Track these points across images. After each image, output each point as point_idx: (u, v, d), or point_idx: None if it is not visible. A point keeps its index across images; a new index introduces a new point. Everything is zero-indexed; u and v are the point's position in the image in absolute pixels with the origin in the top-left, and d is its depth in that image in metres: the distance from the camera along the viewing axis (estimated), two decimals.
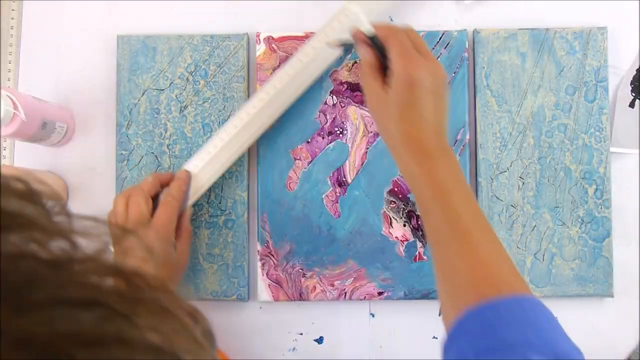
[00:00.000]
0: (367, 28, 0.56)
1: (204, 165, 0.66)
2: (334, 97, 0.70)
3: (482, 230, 0.48)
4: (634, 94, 0.71)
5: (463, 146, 0.70)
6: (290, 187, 0.70)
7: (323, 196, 0.70)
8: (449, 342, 0.44)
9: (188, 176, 0.66)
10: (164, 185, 0.65)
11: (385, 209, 0.69)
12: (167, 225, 0.61)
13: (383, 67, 0.54)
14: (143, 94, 0.71)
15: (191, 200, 0.66)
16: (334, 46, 0.62)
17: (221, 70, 0.71)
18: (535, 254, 0.69)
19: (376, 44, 0.54)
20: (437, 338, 0.71)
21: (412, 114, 0.50)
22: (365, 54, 0.55)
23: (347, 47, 0.64)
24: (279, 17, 0.73)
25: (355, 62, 0.70)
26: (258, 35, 0.71)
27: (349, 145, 0.70)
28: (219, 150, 0.66)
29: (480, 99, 0.70)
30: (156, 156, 0.70)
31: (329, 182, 0.70)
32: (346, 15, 0.65)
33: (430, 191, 0.49)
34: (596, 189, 0.69)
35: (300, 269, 0.69)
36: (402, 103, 0.51)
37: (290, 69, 0.66)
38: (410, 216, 0.69)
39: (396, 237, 0.69)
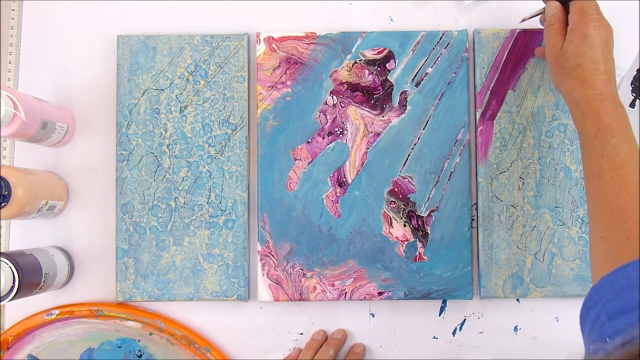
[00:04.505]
0: None
1: None
2: (334, 97, 0.70)
3: (638, 169, 0.54)
4: (634, 94, 0.71)
5: (463, 146, 0.70)
6: (290, 187, 0.70)
7: (323, 196, 0.70)
8: (585, 307, 0.50)
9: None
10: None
11: (385, 209, 0.70)
12: None
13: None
14: (143, 94, 0.71)
15: None
16: (529, 18, 0.68)
17: (221, 70, 0.71)
18: (535, 254, 0.69)
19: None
20: (437, 338, 0.71)
21: (588, 64, 0.58)
22: (553, 8, 0.62)
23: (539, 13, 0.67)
24: (279, 17, 0.73)
25: (355, 62, 0.70)
26: (258, 35, 0.71)
27: (349, 145, 0.70)
28: None
29: (480, 99, 0.70)
30: (156, 156, 0.70)
31: (329, 182, 0.70)
32: None
33: (595, 128, 0.56)
34: None
35: (301, 269, 0.69)
36: (579, 54, 0.58)
37: None
38: (411, 216, 0.69)
39: (396, 237, 0.69)
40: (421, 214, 0.69)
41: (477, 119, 0.70)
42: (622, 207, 0.53)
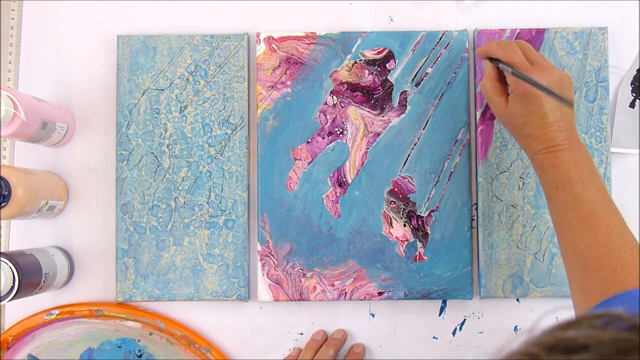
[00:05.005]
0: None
1: None
2: (334, 97, 0.70)
3: (606, 214, 0.54)
4: (634, 94, 0.71)
5: (463, 146, 0.70)
6: (290, 187, 0.70)
7: (323, 196, 0.70)
8: None
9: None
10: None
11: (385, 209, 0.69)
12: None
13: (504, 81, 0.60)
14: (143, 94, 0.71)
15: None
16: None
17: (221, 70, 0.71)
18: (535, 254, 0.69)
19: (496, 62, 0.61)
20: (437, 338, 0.71)
21: (534, 120, 0.57)
22: (486, 68, 0.61)
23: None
24: (279, 17, 0.73)
25: (355, 62, 0.70)
26: (258, 35, 0.71)
27: (349, 145, 0.70)
28: None
29: (480, 99, 0.70)
30: (156, 156, 0.70)
31: (329, 182, 0.70)
32: None
33: (555, 181, 0.55)
34: None
35: (301, 269, 0.69)
36: (523, 113, 0.57)
37: None
38: (411, 216, 0.69)
39: (396, 237, 0.69)
40: (421, 214, 0.69)
41: (477, 119, 0.70)
42: (596, 257, 0.52)
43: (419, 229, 0.69)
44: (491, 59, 0.61)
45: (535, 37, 0.70)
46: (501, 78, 0.61)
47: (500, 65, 0.59)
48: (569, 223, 0.55)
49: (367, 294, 0.69)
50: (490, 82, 0.60)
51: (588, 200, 0.54)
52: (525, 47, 0.60)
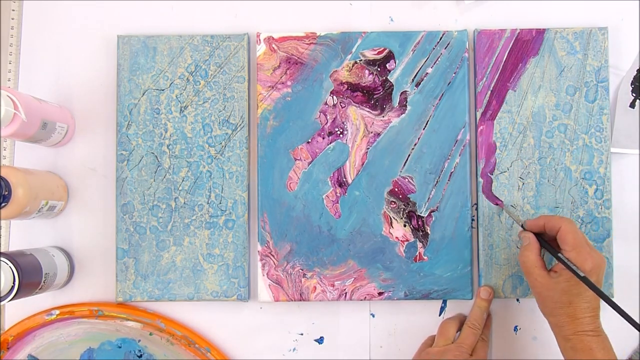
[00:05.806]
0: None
1: None
2: (334, 97, 0.70)
3: None
4: (634, 94, 0.71)
5: (463, 146, 0.70)
6: (290, 187, 0.70)
7: (323, 196, 0.70)
8: None
9: (486, 303, 0.69)
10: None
11: (385, 209, 0.70)
12: (469, 344, 0.66)
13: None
14: (143, 94, 0.71)
15: None
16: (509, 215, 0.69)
17: (221, 70, 0.71)
18: None
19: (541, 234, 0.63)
20: None
21: (580, 302, 0.58)
22: (527, 240, 0.63)
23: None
24: (279, 17, 0.73)
25: (356, 62, 0.70)
26: (258, 36, 0.71)
27: (349, 145, 0.70)
28: None
29: (480, 99, 0.70)
30: (156, 156, 0.70)
31: (330, 182, 0.70)
32: None
33: None
34: (596, 190, 0.69)
35: (301, 269, 0.69)
36: (572, 292, 0.59)
37: None
38: (411, 216, 0.69)
39: (396, 238, 0.69)
40: (421, 214, 0.69)
41: (477, 119, 0.70)
42: None
43: (419, 229, 0.69)
44: (536, 234, 0.63)
45: (535, 37, 0.70)
46: (540, 250, 0.62)
47: (546, 246, 0.62)
48: None
49: (367, 294, 0.69)
50: (533, 253, 0.62)
51: None
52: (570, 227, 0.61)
